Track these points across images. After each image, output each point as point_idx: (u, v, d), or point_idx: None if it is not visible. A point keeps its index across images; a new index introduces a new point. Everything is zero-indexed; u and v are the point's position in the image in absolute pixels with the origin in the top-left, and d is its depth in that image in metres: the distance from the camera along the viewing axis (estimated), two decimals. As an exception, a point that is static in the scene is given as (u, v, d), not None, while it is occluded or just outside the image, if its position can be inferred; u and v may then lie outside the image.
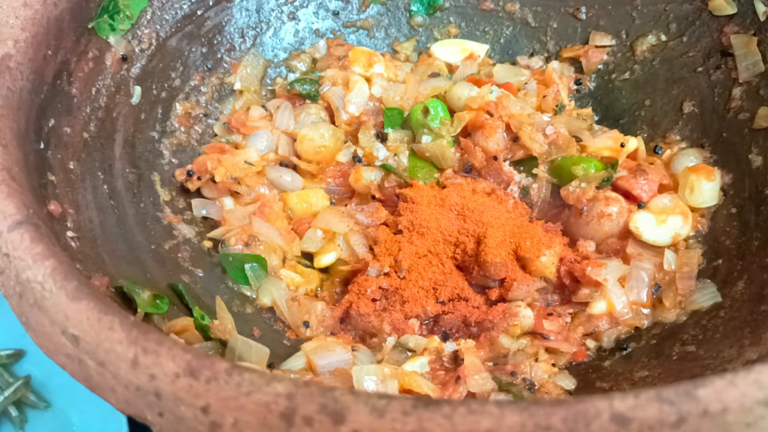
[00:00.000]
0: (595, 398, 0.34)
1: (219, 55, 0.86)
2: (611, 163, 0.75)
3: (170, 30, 0.79)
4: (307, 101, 0.86)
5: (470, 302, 0.71)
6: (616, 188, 0.75)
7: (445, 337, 0.69)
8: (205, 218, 0.77)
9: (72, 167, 0.63)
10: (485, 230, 0.70)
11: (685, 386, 0.34)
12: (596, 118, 0.87)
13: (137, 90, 0.75)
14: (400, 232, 0.72)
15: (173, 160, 0.78)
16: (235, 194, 0.78)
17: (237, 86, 0.87)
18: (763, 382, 0.34)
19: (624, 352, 0.66)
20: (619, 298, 0.68)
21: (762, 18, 0.76)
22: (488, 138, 0.77)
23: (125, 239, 0.65)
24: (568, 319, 0.70)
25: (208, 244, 0.74)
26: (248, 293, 0.71)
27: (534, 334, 0.69)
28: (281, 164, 0.82)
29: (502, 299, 0.71)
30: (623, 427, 0.33)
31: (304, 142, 0.81)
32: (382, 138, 0.82)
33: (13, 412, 0.76)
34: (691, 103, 0.82)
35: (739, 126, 0.77)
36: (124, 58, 0.73)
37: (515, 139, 0.77)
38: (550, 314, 0.69)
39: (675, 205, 0.72)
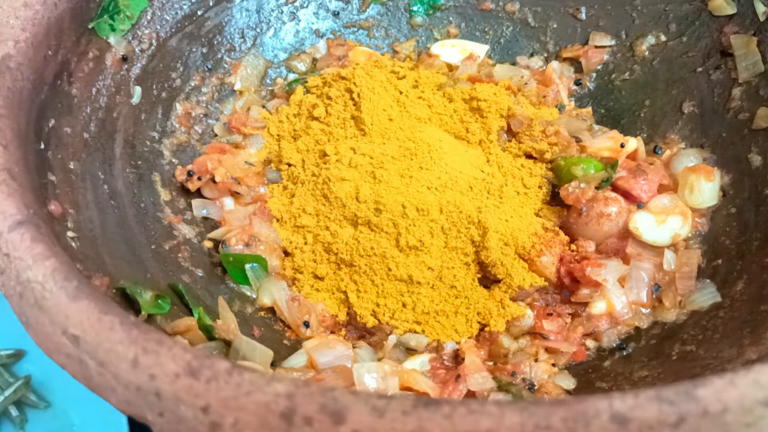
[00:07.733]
0: (594, 398, 0.34)
1: (219, 56, 0.86)
2: (611, 164, 0.75)
3: (170, 30, 0.79)
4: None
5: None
6: (615, 188, 0.75)
7: None
8: (205, 218, 0.77)
9: (72, 167, 0.63)
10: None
11: (685, 386, 0.34)
12: (596, 118, 0.87)
13: (137, 90, 0.75)
14: None
15: (173, 160, 0.79)
16: (235, 194, 0.78)
17: (237, 86, 0.87)
18: (763, 382, 0.34)
19: (624, 352, 0.66)
20: (618, 298, 0.68)
21: (762, 18, 0.76)
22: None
23: (125, 239, 0.65)
24: (568, 319, 0.70)
25: (208, 244, 0.74)
26: (248, 293, 0.71)
27: (534, 334, 0.69)
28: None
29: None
30: (623, 427, 0.33)
31: (304, 142, 0.81)
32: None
33: (14, 412, 0.76)
34: (690, 103, 0.82)
35: (738, 126, 0.77)
36: (124, 59, 0.73)
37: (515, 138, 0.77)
38: (550, 314, 0.69)
39: (674, 206, 0.72)
